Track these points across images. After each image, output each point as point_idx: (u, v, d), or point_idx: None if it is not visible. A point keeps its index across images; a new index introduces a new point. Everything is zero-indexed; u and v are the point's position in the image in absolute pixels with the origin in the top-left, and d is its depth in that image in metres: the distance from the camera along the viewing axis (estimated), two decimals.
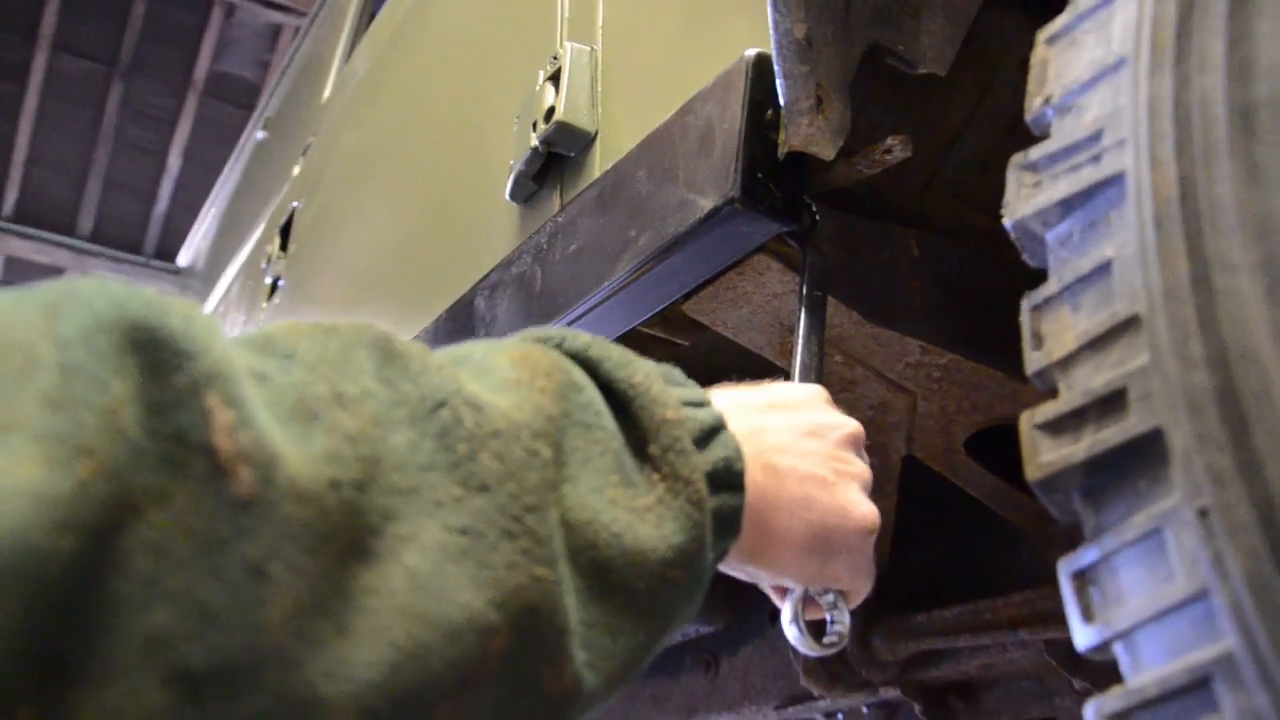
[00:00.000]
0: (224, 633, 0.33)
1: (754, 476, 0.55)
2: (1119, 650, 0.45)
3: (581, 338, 0.53)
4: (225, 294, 2.92)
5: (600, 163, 1.05)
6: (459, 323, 1.20)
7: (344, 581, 0.37)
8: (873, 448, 0.93)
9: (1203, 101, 0.45)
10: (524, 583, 0.41)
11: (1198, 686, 0.41)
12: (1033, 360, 0.50)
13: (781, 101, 0.76)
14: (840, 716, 1.50)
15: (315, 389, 0.39)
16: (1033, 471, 0.48)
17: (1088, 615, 0.47)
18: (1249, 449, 0.41)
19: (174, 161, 7.56)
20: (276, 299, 2.21)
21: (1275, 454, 0.41)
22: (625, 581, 0.46)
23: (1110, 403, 0.46)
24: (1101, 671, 0.94)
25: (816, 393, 0.65)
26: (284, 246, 2.24)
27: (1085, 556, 0.47)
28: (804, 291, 0.78)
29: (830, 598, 0.64)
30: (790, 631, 0.64)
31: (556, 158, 1.12)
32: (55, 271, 7.76)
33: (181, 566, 0.32)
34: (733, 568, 0.59)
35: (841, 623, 0.64)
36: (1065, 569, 0.48)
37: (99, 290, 0.34)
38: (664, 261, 0.85)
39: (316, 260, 2.02)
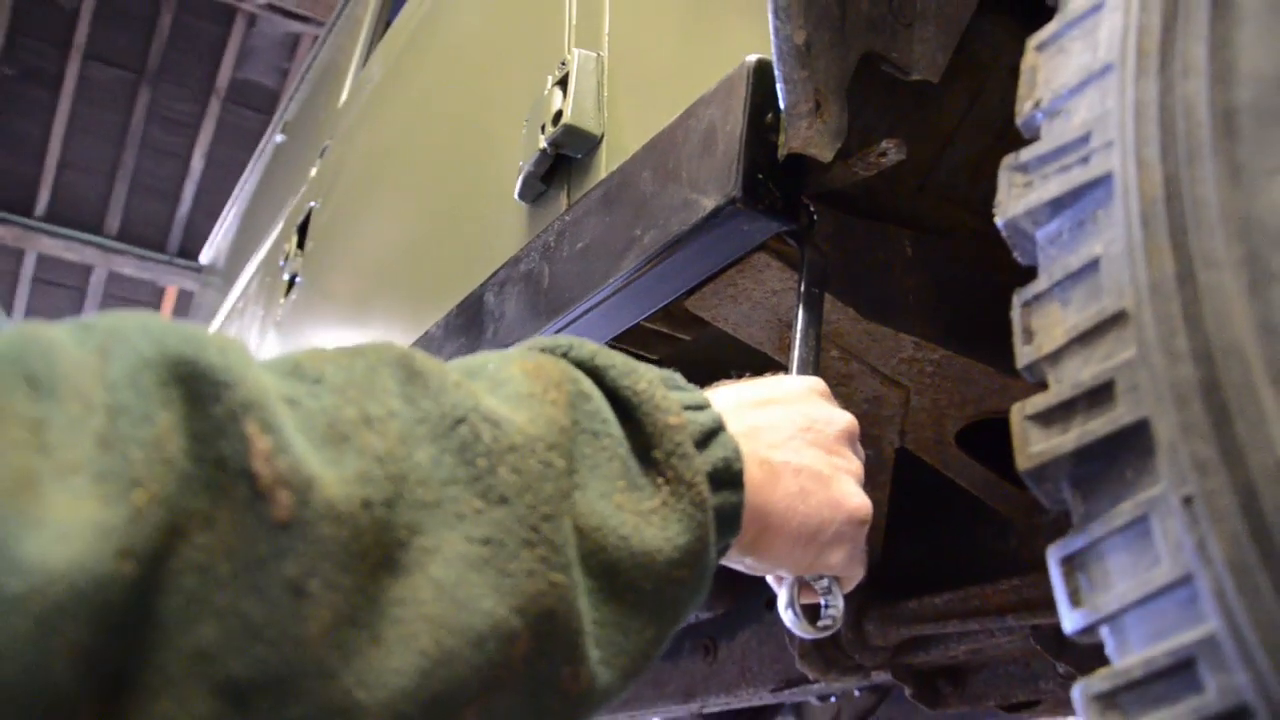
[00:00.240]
0: (267, 646, 0.35)
1: (751, 474, 0.57)
2: (1105, 633, 0.46)
3: (587, 346, 0.54)
4: (245, 290, 2.92)
5: (606, 164, 1.05)
6: (469, 318, 1.20)
7: (376, 594, 0.38)
8: (867, 440, 0.94)
9: (1186, 105, 0.46)
10: (542, 589, 0.43)
11: (1182, 668, 0.42)
12: (1023, 354, 0.51)
13: (781, 105, 0.76)
14: (833, 699, 1.52)
15: (345, 412, 0.41)
16: (1023, 461, 0.49)
17: (1076, 600, 0.47)
18: (1231, 439, 0.42)
19: (197, 164, 7.68)
20: (294, 295, 2.23)
21: (1256, 443, 0.41)
22: (634, 582, 0.48)
23: (1098, 395, 0.46)
24: (1086, 656, 0.95)
25: (812, 386, 0.66)
26: (301, 244, 2.26)
27: (1073, 543, 0.47)
28: (802, 288, 0.79)
29: (825, 583, 0.65)
30: (786, 615, 0.66)
31: (564, 159, 1.13)
32: (84, 269, 7.87)
33: (226, 585, 0.34)
34: (732, 560, 0.61)
35: (835, 607, 0.65)
36: (1054, 555, 0.48)
37: (143, 329, 0.36)
38: (667, 259, 0.86)
39: (332, 257, 2.03)
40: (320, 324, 2.01)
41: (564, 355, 0.53)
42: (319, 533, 0.37)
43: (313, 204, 2.27)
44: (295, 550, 0.36)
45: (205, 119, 7.55)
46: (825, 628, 0.66)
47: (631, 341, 1.05)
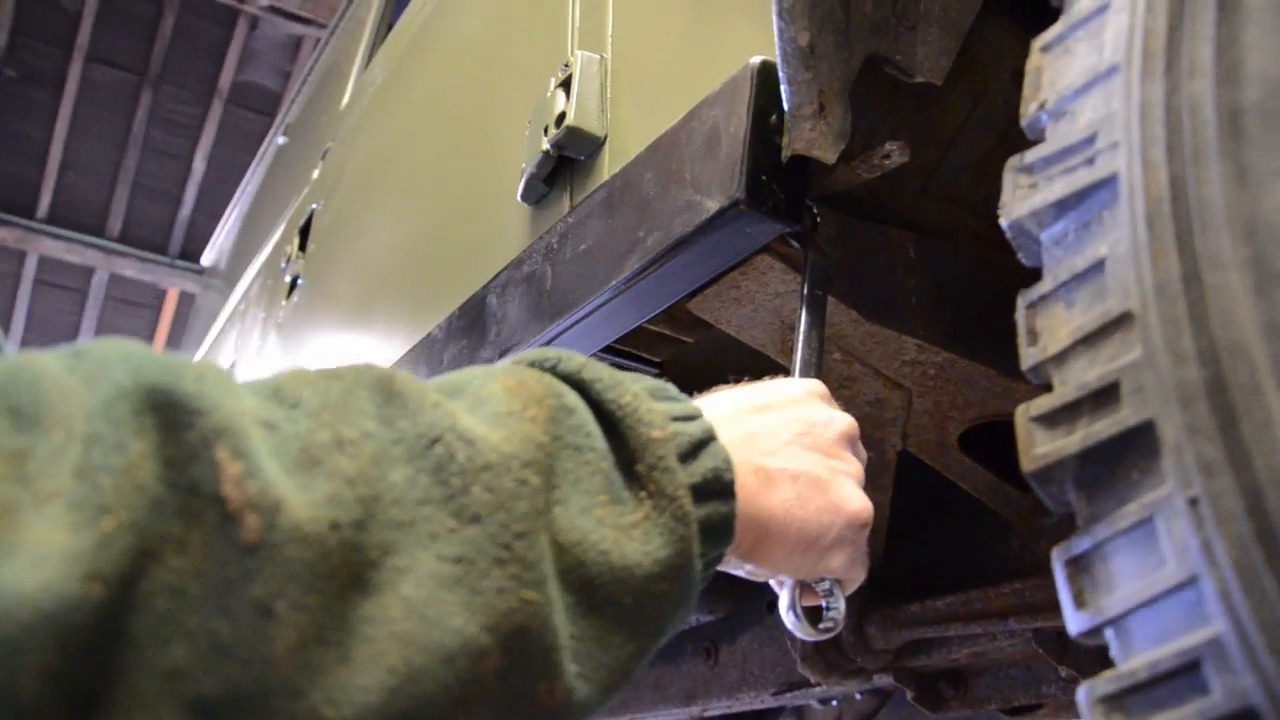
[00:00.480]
0: (236, 665, 0.36)
1: (746, 482, 0.57)
2: (1110, 636, 0.46)
3: (575, 360, 0.54)
4: (246, 292, 2.93)
5: (609, 166, 1.05)
6: (471, 320, 1.20)
7: (345, 613, 0.39)
8: (869, 443, 0.94)
9: (1192, 106, 0.46)
10: (514, 606, 0.43)
11: (1187, 670, 0.42)
12: (1028, 356, 0.51)
13: (785, 107, 0.76)
14: (835, 702, 1.52)
15: (318, 436, 0.42)
16: (1028, 463, 0.49)
17: (1080, 602, 0.47)
18: (1237, 440, 0.42)
19: (199, 166, 7.72)
20: (295, 297, 2.23)
21: (1262, 445, 0.41)
22: (613, 597, 0.48)
23: (1103, 396, 0.46)
24: (1088, 659, 0.96)
25: (810, 390, 0.66)
26: (303, 246, 2.27)
27: (1078, 545, 0.47)
28: (805, 291, 0.79)
29: (826, 585, 0.65)
30: (787, 618, 0.66)
31: (567, 161, 1.13)
32: (86, 271, 7.89)
33: (197, 606, 0.36)
34: (731, 566, 0.61)
35: (837, 609, 0.65)
36: (1058, 557, 0.48)
37: (124, 359, 0.38)
38: (670, 261, 0.86)
39: (334, 259, 2.04)
40: (322, 326, 2.01)
41: (552, 369, 0.54)
42: (286, 554, 0.38)
43: (315, 206, 2.28)
44: (262, 572, 0.37)
45: (207, 121, 7.58)
46: (827, 630, 0.66)
47: (634, 344, 1.05)
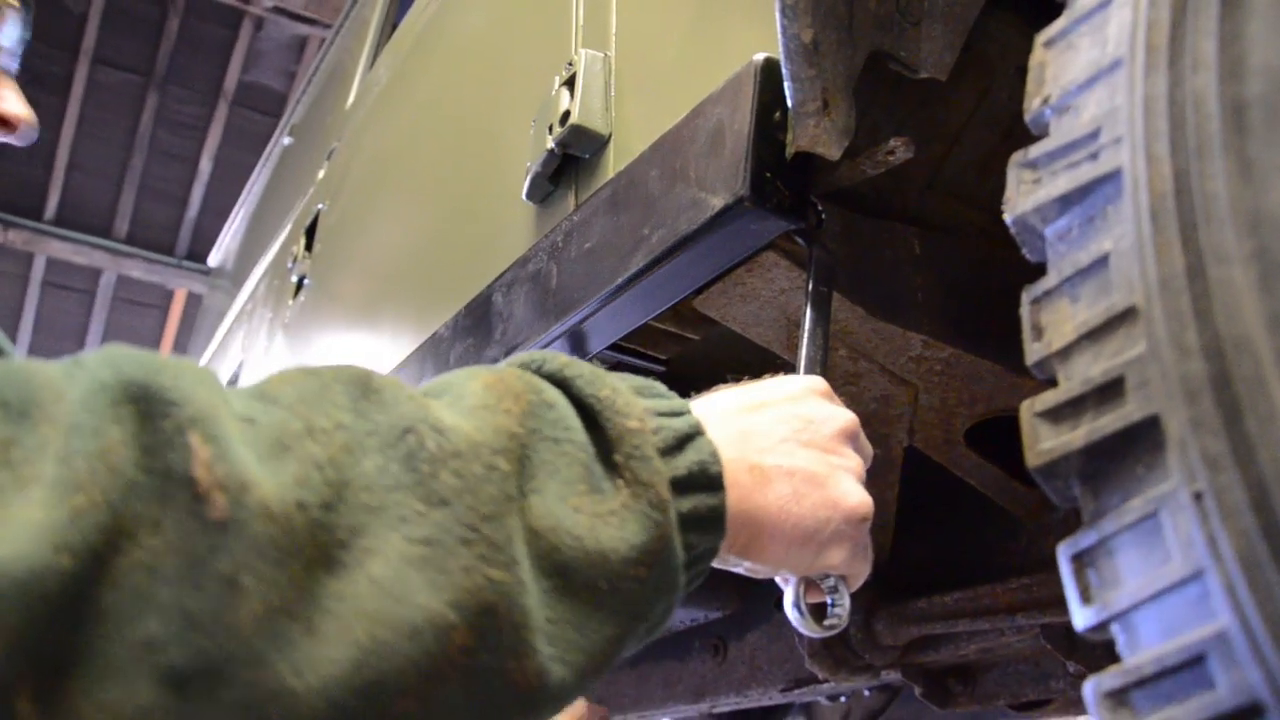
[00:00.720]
0: (204, 636, 0.38)
1: (739, 479, 0.57)
2: (1116, 630, 0.46)
3: (558, 359, 0.56)
4: (253, 292, 2.95)
5: (614, 164, 1.05)
6: (477, 318, 1.21)
7: (312, 589, 0.41)
8: (875, 439, 0.94)
9: (1196, 100, 0.46)
10: (480, 584, 0.45)
11: (1193, 664, 0.42)
12: (1033, 351, 0.51)
13: (789, 104, 0.76)
14: (843, 699, 1.52)
15: (290, 426, 0.44)
16: (1033, 458, 0.49)
17: (1086, 597, 0.47)
18: (1242, 434, 0.42)
19: (205, 167, 7.77)
20: (302, 297, 2.24)
21: (1267, 439, 0.41)
22: (589, 581, 0.49)
23: (1108, 391, 0.46)
24: (1096, 654, 0.95)
25: (810, 386, 0.66)
26: (309, 247, 2.28)
27: (1084, 540, 0.47)
28: (810, 287, 0.80)
29: (830, 581, 0.65)
30: (792, 614, 0.66)
31: (571, 159, 1.13)
32: (93, 272, 7.95)
33: (170, 581, 0.38)
34: (730, 564, 0.61)
35: (841, 605, 0.65)
36: (1064, 553, 0.48)
37: (108, 360, 0.41)
38: (675, 258, 0.86)
39: (340, 259, 2.05)
40: (329, 326, 2.02)
41: (536, 370, 0.55)
42: (252, 530, 0.39)
43: (320, 206, 2.28)
44: (229, 547, 0.39)
45: (213, 122, 7.62)
46: (831, 626, 0.65)
47: (640, 341, 1.05)
